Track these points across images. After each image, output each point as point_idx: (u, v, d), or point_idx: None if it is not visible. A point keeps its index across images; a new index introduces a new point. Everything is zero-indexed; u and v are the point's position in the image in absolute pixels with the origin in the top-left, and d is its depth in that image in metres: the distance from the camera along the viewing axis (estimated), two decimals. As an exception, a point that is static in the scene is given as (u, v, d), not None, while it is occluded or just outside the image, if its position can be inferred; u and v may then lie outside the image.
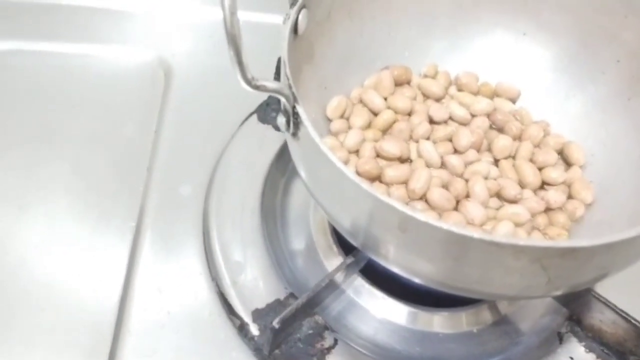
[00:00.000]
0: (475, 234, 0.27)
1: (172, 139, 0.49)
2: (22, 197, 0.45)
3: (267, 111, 0.50)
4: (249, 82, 0.30)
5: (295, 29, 0.37)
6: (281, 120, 0.34)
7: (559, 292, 0.33)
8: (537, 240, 0.37)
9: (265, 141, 0.49)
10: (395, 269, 0.34)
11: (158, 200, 0.45)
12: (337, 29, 0.43)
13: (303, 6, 0.37)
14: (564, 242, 0.35)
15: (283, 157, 0.48)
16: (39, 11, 0.55)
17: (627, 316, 0.39)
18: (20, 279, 0.41)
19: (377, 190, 0.29)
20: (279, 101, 0.50)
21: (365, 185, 0.29)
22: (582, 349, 0.41)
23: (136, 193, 0.45)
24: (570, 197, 0.42)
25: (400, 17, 0.46)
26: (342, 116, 0.44)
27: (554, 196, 0.40)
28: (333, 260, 0.43)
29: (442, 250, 0.30)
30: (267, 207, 0.46)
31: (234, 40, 0.29)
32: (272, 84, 0.31)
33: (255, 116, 0.50)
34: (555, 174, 0.42)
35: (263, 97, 0.51)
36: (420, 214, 0.28)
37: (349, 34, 0.44)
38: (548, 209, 0.41)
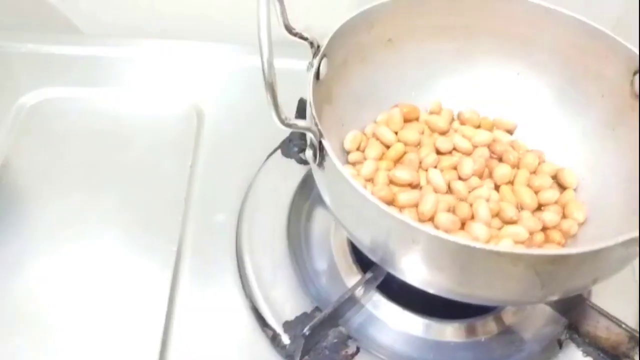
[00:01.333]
0: (477, 244, 0.33)
1: (206, 174, 0.54)
2: (77, 232, 0.50)
3: (289, 146, 0.56)
4: (282, 121, 0.36)
5: (317, 75, 0.43)
6: (309, 153, 0.39)
7: (554, 297, 0.38)
8: (531, 249, 0.42)
9: (288, 173, 0.54)
10: (410, 280, 0.39)
11: (195, 227, 0.50)
12: (352, 73, 0.49)
13: (324, 55, 0.43)
14: (554, 250, 0.40)
15: (305, 187, 0.53)
16: (90, 62, 0.62)
17: (618, 322, 0.44)
18: (74, 306, 0.46)
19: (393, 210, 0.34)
20: (300, 137, 0.56)
21: (383, 205, 0.34)
22: (580, 353, 0.45)
23: (176, 222, 0.50)
24: (564, 216, 0.46)
25: (408, 62, 0.52)
26: (358, 148, 0.49)
27: (549, 216, 0.45)
28: (352, 278, 0.48)
29: (449, 260, 0.35)
30: (293, 232, 0.51)
31: (271, 87, 0.34)
32: (301, 122, 0.37)
33: (279, 151, 0.56)
34: (550, 194, 0.47)
35: (285, 134, 0.57)
36: (430, 228, 0.33)
37: (363, 77, 0.50)
38: (545, 228, 0.45)
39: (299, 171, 0.54)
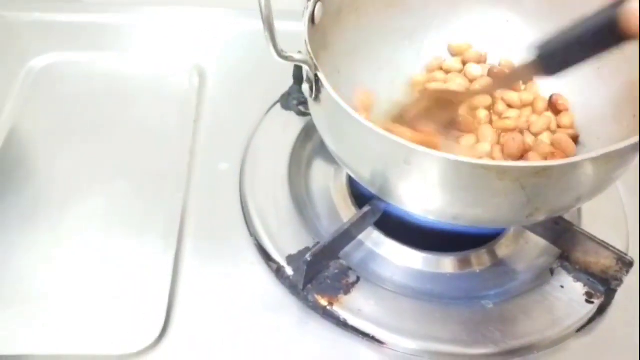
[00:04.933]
0: (465, 158, 0.35)
1: (209, 128, 0.57)
2: (89, 184, 0.52)
3: (289, 100, 0.58)
4: (279, 53, 0.38)
5: (312, 19, 0.45)
6: (305, 87, 0.41)
7: (541, 215, 0.40)
8: (514, 162, 0.44)
9: (288, 125, 0.57)
10: (405, 206, 0.41)
11: (200, 176, 0.53)
12: (346, 22, 0.51)
13: (318, 0, 0.45)
14: (535, 162, 0.42)
15: (305, 137, 0.56)
16: (94, 28, 0.64)
17: (607, 245, 0.46)
18: (88, 250, 0.48)
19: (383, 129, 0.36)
20: (298, 90, 0.58)
21: (376, 127, 0.36)
22: (571, 279, 0.47)
23: (182, 172, 0.53)
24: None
25: (400, 11, 0.54)
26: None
27: None
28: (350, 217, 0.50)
29: (439, 177, 0.37)
30: (294, 178, 0.53)
31: (268, 21, 0.37)
32: (298, 55, 0.39)
33: (279, 105, 0.58)
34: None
35: (285, 89, 0.59)
36: (420, 146, 0.35)
37: (357, 26, 0.52)
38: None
39: (299, 122, 0.56)
